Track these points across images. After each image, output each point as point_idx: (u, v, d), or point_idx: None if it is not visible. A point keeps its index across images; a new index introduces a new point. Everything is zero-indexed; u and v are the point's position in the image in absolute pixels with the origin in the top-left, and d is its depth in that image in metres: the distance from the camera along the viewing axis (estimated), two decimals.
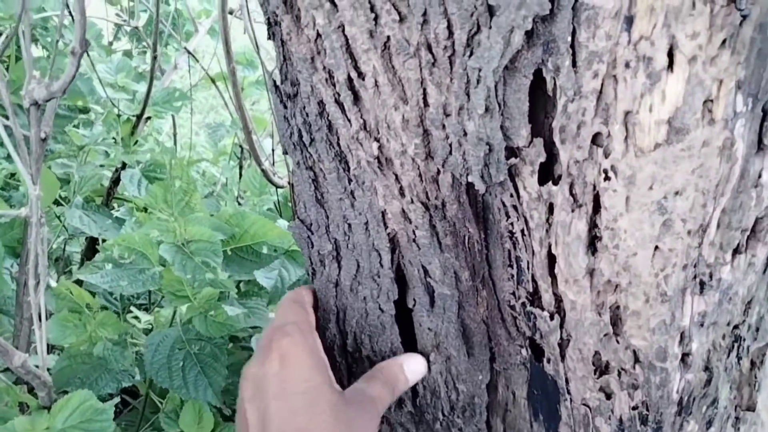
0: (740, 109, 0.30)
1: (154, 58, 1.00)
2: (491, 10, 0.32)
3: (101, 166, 1.19)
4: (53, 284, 0.62)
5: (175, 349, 0.66)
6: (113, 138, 1.17)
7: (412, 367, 0.46)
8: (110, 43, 1.95)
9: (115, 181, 1.19)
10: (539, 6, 0.30)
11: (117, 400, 0.61)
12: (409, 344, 0.50)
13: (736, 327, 0.39)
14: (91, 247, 1.24)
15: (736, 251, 0.35)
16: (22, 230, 0.63)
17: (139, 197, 1.11)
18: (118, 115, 1.07)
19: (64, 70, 0.60)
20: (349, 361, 0.53)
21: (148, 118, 1.19)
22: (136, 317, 0.86)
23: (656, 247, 0.35)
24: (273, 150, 1.12)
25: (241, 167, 1.44)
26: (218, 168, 1.63)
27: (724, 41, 0.29)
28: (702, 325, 0.37)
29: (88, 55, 1.16)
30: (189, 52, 1.31)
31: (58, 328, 0.63)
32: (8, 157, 0.73)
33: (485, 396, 0.49)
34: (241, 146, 1.48)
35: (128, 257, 0.65)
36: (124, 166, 1.11)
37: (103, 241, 1.21)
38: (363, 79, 0.37)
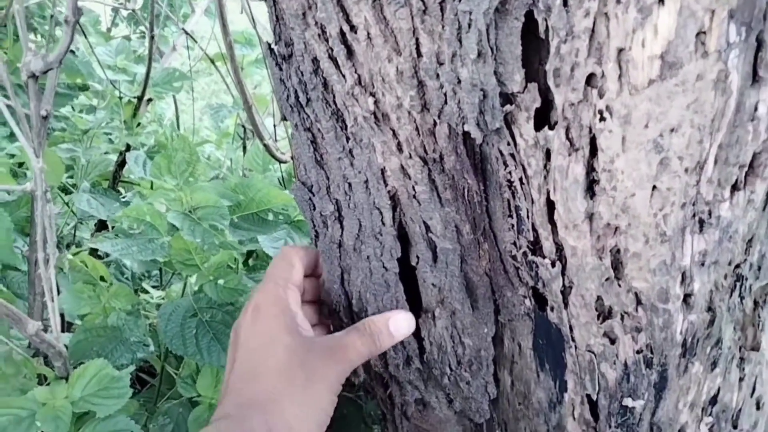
0: (734, 39, 0.30)
1: (152, 38, 1.00)
2: None
3: (106, 153, 1.20)
4: (68, 257, 0.63)
5: (187, 317, 0.67)
6: (116, 120, 1.18)
7: (398, 323, 0.48)
8: (108, 30, 1.95)
9: (121, 164, 1.20)
10: None
11: (132, 367, 0.62)
12: (414, 301, 0.50)
13: (737, 266, 0.39)
14: (101, 231, 1.26)
15: (734, 188, 0.35)
16: (29, 208, 0.64)
17: (145, 179, 1.12)
18: (120, 98, 1.08)
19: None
20: (355, 321, 0.54)
21: (150, 100, 1.19)
22: (147, 292, 0.88)
23: (654, 187, 0.35)
24: (275, 126, 1.12)
25: (244, 147, 1.44)
26: (222, 152, 1.63)
27: None
28: (703, 264, 0.37)
29: (87, 38, 1.16)
30: (187, 33, 1.30)
31: (73, 299, 0.65)
32: (11, 136, 0.73)
33: (491, 349, 0.49)
34: (243, 126, 1.48)
35: (137, 228, 0.66)
36: (128, 148, 1.12)
37: (113, 224, 1.22)
38: (355, 32, 0.37)
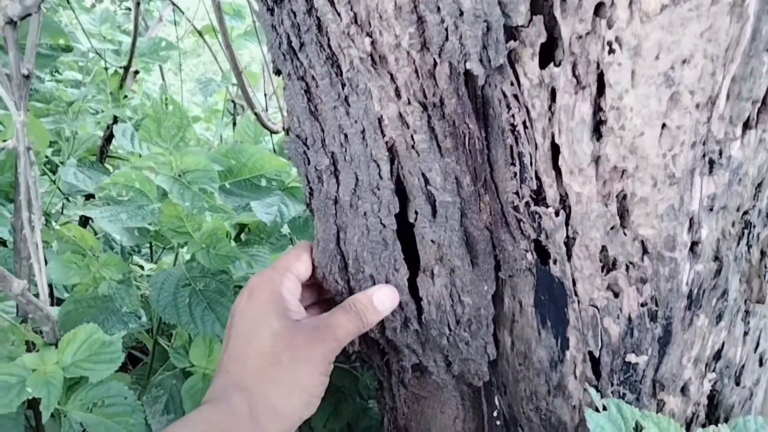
0: None
1: (138, 4, 0.96)
2: None
3: (96, 123, 1.17)
4: (56, 227, 0.61)
5: (180, 286, 0.65)
6: (101, 95, 1.15)
7: (381, 297, 0.49)
8: (93, 6, 1.90)
9: (108, 138, 1.17)
10: None
11: (124, 332, 0.61)
12: (412, 260, 0.49)
13: (746, 213, 0.38)
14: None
15: (746, 126, 0.33)
16: (13, 174, 0.62)
17: (134, 152, 1.09)
18: (105, 68, 1.05)
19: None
20: (351, 283, 0.52)
21: (136, 72, 1.16)
22: (138, 265, 0.86)
23: (663, 125, 0.33)
24: (266, 96, 1.09)
25: (234, 122, 1.41)
26: (211, 130, 1.61)
27: None
28: (711, 209, 0.36)
29: (72, 9, 1.12)
30: (174, 4, 1.27)
31: (62, 269, 0.63)
32: None
33: (491, 307, 0.48)
34: (233, 101, 1.45)
35: (126, 195, 0.64)
36: (115, 120, 1.09)
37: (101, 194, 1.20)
38: None
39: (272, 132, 1.01)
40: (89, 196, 1.20)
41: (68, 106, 1.04)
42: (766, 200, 0.38)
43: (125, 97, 1.07)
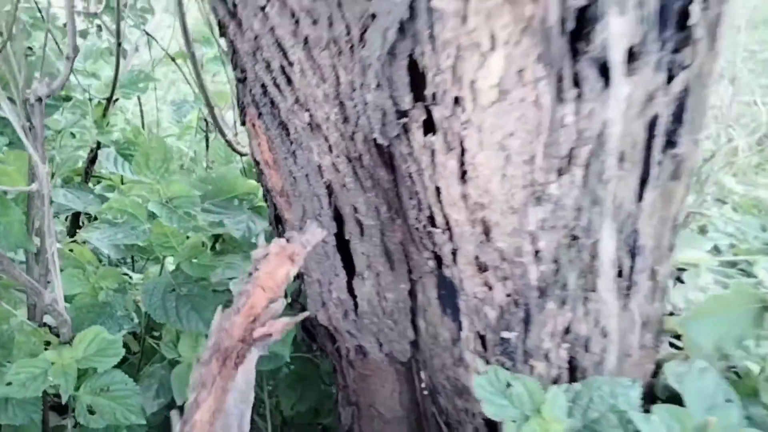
0: (541, 74, 0.45)
1: (119, 45, 1.10)
2: (374, 16, 0.45)
3: (78, 146, 1.30)
4: (57, 246, 0.75)
5: (167, 292, 0.80)
6: (84, 120, 1.27)
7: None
8: (64, 25, 2.00)
9: (92, 160, 1.29)
10: (402, 12, 0.44)
11: (124, 331, 0.75)
12: (349, 267, 0.65)
13: (572, 229, 0.55)
14: (75, 223, 1.35)
15: (559, 173, 0.50)
16: (25, 205, 0.75)
17: (116, 173, 1.23)
18: (90, 99, 1.17)
19: (47, 69, 0.72)
20: (303, 286, 0.68)
21: (116, 99, 1.29)
22: (127, 275, 1.00)
23: (503, 174, 0.50)
24: (235, 122, 1.23)
25: (207, 139, 1.55)
26: (185, 142, 1.73)
27: (524, 29, 0.43)
28: (543, 228, 0.53)
29: (57, 43, 1.24)
30: (148, 35, 1.40)
31: (66, 282, 0.76)
32: (9, 144, 0.84)
33: (408, 301, 0.64)
34: (206, 120, 1.59)
35: (121, 218, 0.78)
36: (99, 145, 1.22)
37: (86, 215, 1.32)
38: (292, 67, 0.51)
39: (241, 155, 1.15)
40: (76, 214, 1.33)
41: (57, 133, 1.17)
42: (585, 219, 0.55)
43: (107, 123, 1.20)
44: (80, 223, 1.31)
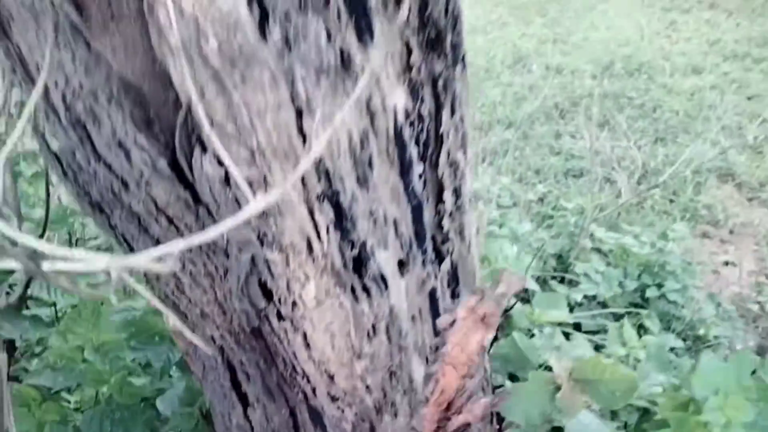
0: (339, 291, 0.70)
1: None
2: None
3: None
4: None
5: (103, 419, 0.99)
6: None
7: None
8: None
9: (26, 284, 1.46)
10: (247, 265, 0.68)
11: None
12: (243, 400, 0.87)
13: (389, 367, 0.80)
14: (10, 350, 1.51)
15: (369, 338, 0.75)
16: None
17: (50, 298, 1.39)
18: None
19: None
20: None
21: None
22: (66, 400, 1.18)
23: (333, 345, 0.74)
24: None
25: None
26: None
27: (322, 271, 0.68)
28: (368, 371, 0.78)
29: None
30: None
31: (15, 420, 0.95)
32: None
33: (290, 421, 0.88)
34: None
35: (60, 362, 0.97)
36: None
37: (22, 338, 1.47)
38: (184, 284, 0.74)
39: None
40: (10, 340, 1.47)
41: None
42: (398, 360, 0.81)
43: None
44: (16, 348, 1.46)
